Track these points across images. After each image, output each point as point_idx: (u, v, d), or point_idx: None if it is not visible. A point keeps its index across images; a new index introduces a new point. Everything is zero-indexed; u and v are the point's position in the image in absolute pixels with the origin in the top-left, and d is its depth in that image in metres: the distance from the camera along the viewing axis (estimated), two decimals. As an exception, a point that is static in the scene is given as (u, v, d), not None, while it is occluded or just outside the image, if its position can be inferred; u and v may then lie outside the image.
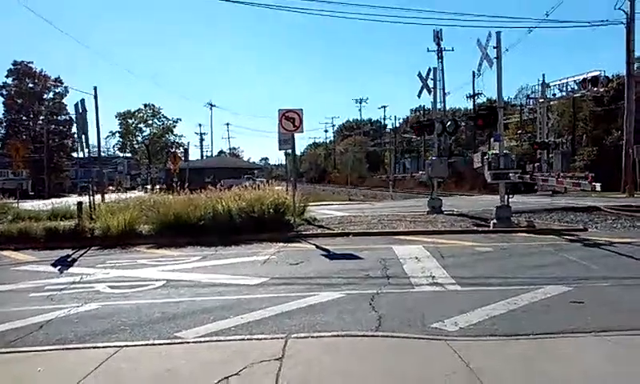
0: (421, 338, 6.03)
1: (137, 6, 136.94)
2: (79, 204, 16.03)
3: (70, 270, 11.33)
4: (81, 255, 13.28)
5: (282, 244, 13.76)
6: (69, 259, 12.69)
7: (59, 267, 11.64)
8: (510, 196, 16.38)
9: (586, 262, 10.45)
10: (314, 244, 13.71)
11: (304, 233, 15.41)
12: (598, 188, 15.58)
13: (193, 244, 14.07)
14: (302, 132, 15.90)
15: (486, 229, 15.74)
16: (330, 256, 12.05)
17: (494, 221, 15.96)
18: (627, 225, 17.17)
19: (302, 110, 15.63)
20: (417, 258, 11.15)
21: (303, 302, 7.76)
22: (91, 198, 16.78)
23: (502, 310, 7.08)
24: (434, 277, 9.27)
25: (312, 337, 6.11)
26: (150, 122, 73.17)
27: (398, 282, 8.99)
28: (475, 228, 16.15)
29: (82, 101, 16.43)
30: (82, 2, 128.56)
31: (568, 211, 21.60)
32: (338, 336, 6.10)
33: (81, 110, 16.16)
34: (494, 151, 16.83)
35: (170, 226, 14.98)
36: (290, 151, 17.45)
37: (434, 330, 6.33)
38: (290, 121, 15.57)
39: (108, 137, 78.03)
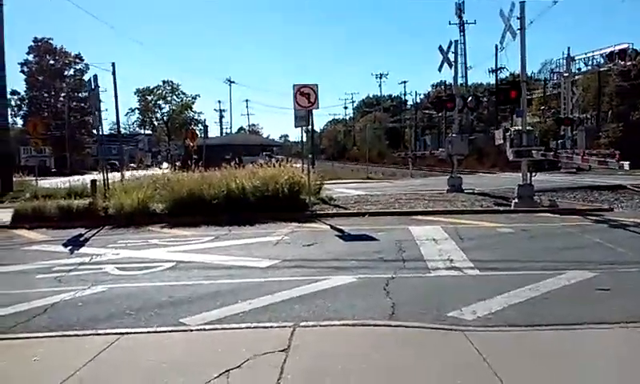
0: (436, 327, 5.69)
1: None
2: (93, 182, 15.90)
3: (81, 250, 11.20)
4: (93, 234, 13.16)
5: (296, 224, 13.48)
6: (81, 239, 12.57)
7: (70, 247, 11.51)
8: (533, 174, 15.84)
9: (611, 244, 9.98)
10: (329, 224, 13.40)
11: (319, 212, 15.10)
12: (627, 166, 14.94)
13: (206, 223, 13.85)
14: (318, 108, 15.50)
15: (508, 208, 15.26)
16: (345, 237, 11.73)
17: (516, 200, 15.46)
18: (655, 204, 16.55)
19: (317, 85, 15.18)
20: (434, 239, 10.77)
21: (314, 287, 7.46)
22: (105, 175, 16.60)
23: (522, 298, 6.71)
24: (452, 260, 8.89)
25: (320, 325, 5.81)
26: (169, 98, 73.16)
27: (414, 266, 8.64)
28: (496, 208, 15.68)
29: (95, 77, 16.22)
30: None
31: (593, 190, 20.99)
32: (348, 325, 5.80)
33: (93, 87, 15.94)
34: (517, 127, 16.25)
35: (183, 204, 14.77)
36: (306, 128, 17.00)
37: (451, 319, 5.99)
38: (305, 96, 15.14)
39: (128, 114, 78.24)
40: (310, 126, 16.25)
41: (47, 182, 26.80)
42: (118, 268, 9.29)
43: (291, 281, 7.86)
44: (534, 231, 11.88)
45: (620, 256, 9.06)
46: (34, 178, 25.88)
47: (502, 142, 16.70)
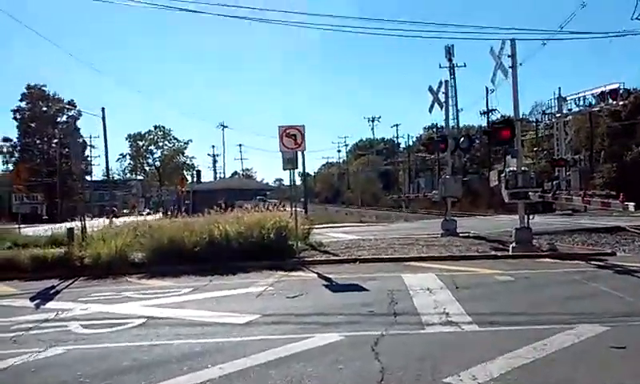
0: (431, 399, 4.91)
1: (144, 28, 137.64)
2: (70, 230, 15.13)
3: (48, 304, 10.35)
4: (66, 286, 12.35)
5: (282, 272, 12.70)
6: (51, 292, 11.74)
7: (37, 301, 10.68)
8: (531, 217, 15.20)
9: (620, 293, 9.23)
10: (317, 272, 12.62)
11: (307, 259, 14.35)
12: (632, 208, 14.28)
13: (188, 272, 13.06)
14: (304, 149, 14.94)
15: (505, 253, 14.56)
16: (333, 287, 10.95)
17: (514, 244, 14.77)
18: (658, 247, 15.88)
19: (303, 126, 14.65)
20: (429, 289, 10.01)
21: (295, 347, 6.67)
22: (83, 222, 15.85)
23: (527, 359, 5.94)
24: (447, 313, 8.12)
25: (297, 398, 5.03)
26: (161, 143, 72.85)
27: (406, 321, 7.85)
28: (493, 253, 14.96)
29: (75, 122, 15.64)
30: (93, 26, 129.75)
31: (591, 232, 20.37)
32: (329, 397, 5.01)
33: (72, 131, 15.30)
34: (512, 168, 15.67)
35: (163, 253, 14.00)
36: (298, 171, 16.37)
37: (448, 388, 5.21)
38: (292, 138, 14.58)
39: (119, 159, 77.83)
40: (297, 169, 15.61)
41: (32, 230, 25.93)
42: (82, 325, 8.46)
43: (270, 340, 7.06)
44: (535, 279, 11.15)
45: (631, 307, 8.31)
46: (17, 226, 25.07)
47: (496, 183, 16.13)
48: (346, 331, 7.36)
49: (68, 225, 18.93)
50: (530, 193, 15.02)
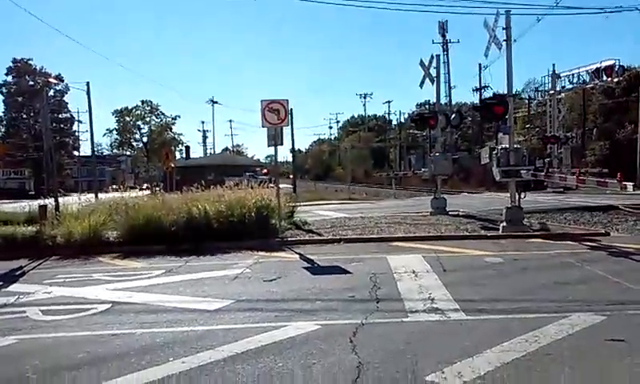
0: (410, 402, 4.37)
1: (136, 3, 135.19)
2: (42, 207, 14.42)
3: (11, 287, 9.72)
4: (34, 268, 11.70)
5: (262, 253, 12.11)
6: (17, 273, 11.09)
7: (0, 284, 10.06)
8: (522, 195, 14.67)
9: (616, 278, 8.71)
10: (299, 253, 12.05)
11: (290, 239, 13.76)
12: (630, 188, 13.81)
13: (163, 253, 12.46)
14: (287, 125, 14.33)
15: (495, 234, 14.02)
16: (313, 269, 10.39)
17: (504, 224, 14.24)
18: (653, 227, 15.42)
19: (287, 100, 13.95)
20: (414, 272, 9.45)
21: (267, 337, 6.12)
22: (55, 199, 15.14)
23: (518, 352, 5.42)
24: (433, 299, 7.58)
25: (260, 400, 4.47)
26: (148, 119, 71.42)
27: (388, 308, 7.30)
28: (483, 232, 14.44)
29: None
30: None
31: (583, 211, 19.89)
32: (295, 400, 4.46)
33: (44, 103, 14.58)
34: (504, 146, 15.10)
35: (139, 232, 13.33)
36: (277, 146, 15.62)
37: (430, 387, 4.68)
38: (275, 113, 13.90)
39: (105, 134, 76.45)
40: (281, 145, 14.87)
41: (14, 206, 25.14)
42: (42, 311, 7.87)
43: (241, 330, 6.50)
44: (526, 261, 10.62)
45: (629, 294, 7.77)
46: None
47: (488, 161, 15.56)
48: (323, 320, 6.81)
49: (41, 202, 18.23)
50: (522, 171, 14.48)
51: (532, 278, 9.17)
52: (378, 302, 7.56)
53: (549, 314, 6.71)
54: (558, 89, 38.17)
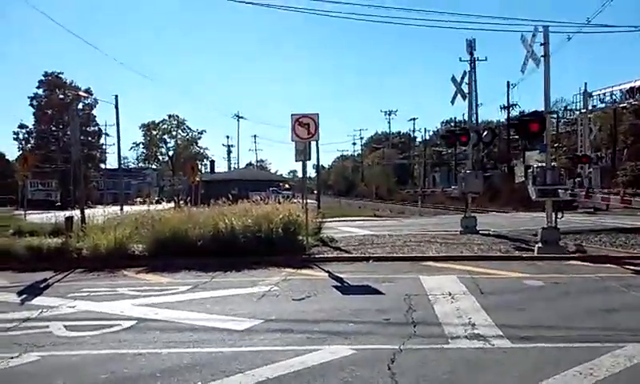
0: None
1: (164, 19, 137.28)
2: (68, 219, 14.33)
3: (35, 300, 9.54)
4: (58, 280, 11.55)
5: (289, 270, 11.78)
6: (42, 285, 10.93)
7: (24, 296, 9.89)
8: (560, 215, 14.12)
9: (668, 305, 8.20)
10: (327, 271, 11.67)
11: (317, 256, 13.42)
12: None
13: (189, 267, 12.20)
14: (318, 139, 14.03)
15: (530, 254, 13.50)
16: (344, 289, 10.01)
17: (539, 245, 13.69)
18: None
19: (317, 114, 13.70)
20: (450, 293, 9.02)
21: (298, 362, 5.77)
22: (81, 211, 15.06)
23: (574, 387, 4.98)
24: (473, 324, 7.14)
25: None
26: (174, 133, 72.11)
27: (427, 332, 6.90)
28: (517, 253, 13.90)
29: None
30: (110, 13, 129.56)
31: (618, 232, 19.11)
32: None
33: (74, 115, 14.54)
34: (537, 163, 14.59)
35: (165, 245, 13.16)
36: (312, 163, 15.38)
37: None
38: (305, 127, 13.64)
39: (132, 148, 77.37)
40: (310, 161, 14.61)
41: (38, 217, 25.30)
42: (66, 326, 7.63)
43: (271, 352, 6.17)
44: (566, 284, 10.08)
45: (685, 323, 7.26)
46: (23, 212, 24.50)
47: (523, 179, 15.05)
48: (358, 343, 6.43)
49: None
50: (559, 190, 13.95)
51: (576, 303, 8.66)
52: (415, 326, 7.15)
53: (600, 343, 6.24)
54: (590, 107, 37.35)
